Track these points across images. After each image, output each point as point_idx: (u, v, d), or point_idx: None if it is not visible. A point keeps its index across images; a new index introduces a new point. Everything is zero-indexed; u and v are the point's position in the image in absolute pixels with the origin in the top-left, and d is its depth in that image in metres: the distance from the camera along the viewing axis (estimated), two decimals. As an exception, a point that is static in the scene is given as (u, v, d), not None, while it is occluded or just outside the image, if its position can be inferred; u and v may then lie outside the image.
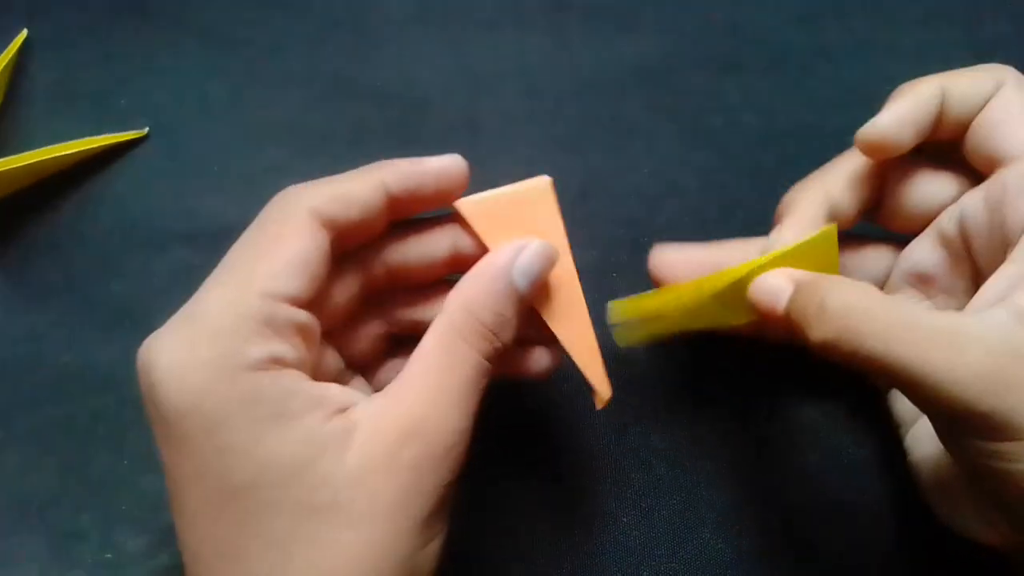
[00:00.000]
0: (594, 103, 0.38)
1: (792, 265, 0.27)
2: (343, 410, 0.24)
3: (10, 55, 0.38)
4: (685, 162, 0.37)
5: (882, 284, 0.32)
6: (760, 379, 0.35)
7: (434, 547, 0.24)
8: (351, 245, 0.27)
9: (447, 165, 0.27)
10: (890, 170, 0.29)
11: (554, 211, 0.28)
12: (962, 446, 0.24)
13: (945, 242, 0.30)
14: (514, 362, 0.29)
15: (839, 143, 0.37)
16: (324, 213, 0.25)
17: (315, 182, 0.27)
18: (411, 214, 0.28)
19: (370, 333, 0.30)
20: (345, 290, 0.28)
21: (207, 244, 0.36)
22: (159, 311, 0.35)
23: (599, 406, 0.28)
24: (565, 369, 0.29)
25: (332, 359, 0.28)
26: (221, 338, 0.23)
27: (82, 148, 0.37)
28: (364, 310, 0.29)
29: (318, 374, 0.26)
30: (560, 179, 0.37)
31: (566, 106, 0.38)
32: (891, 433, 0.32)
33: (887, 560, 0.32)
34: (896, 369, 0.24)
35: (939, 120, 0.29)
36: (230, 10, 0.39)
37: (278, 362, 0.23)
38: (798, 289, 0.26)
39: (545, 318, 0.28)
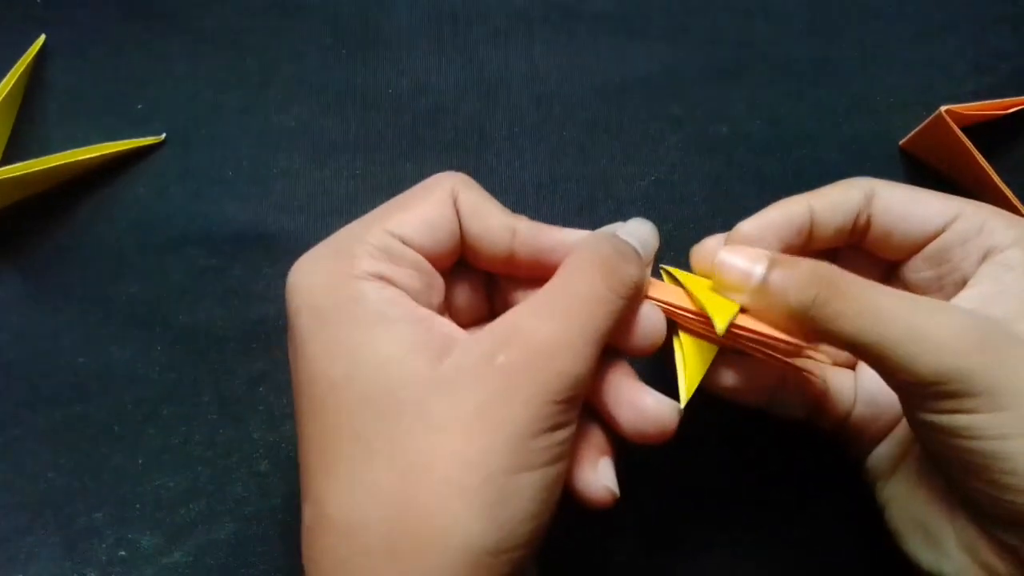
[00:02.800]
0: (602, 111, 0.39)
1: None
2: (447, 336, 0.25)
3: (28, 61, 0.38)
4: (692, 170, 0.38)
5: None
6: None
7: (528, 481, 0.22)
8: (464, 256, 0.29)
9: (574, 242, 0.28)
10: (876, 200, 0.30)
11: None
12: (935, 431, 0.25)
13: None
14: (624, 412, 0.27)
15: (844, 152, 0.38)
16: (461, 210, 0.28)
17: (473, 183, 0.29)
18: (524, 274, 0.29)
19: (469, 292, 0.30)
20: (446, 224, 0.28)
21: (221, 247, 0.37)
22: (174, 312, 0.36)
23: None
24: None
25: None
26: (342, 253, 0.25)
27: (99, 153, 0.37)
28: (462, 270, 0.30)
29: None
30: (568, 186, 0.38)
31: (575, 114, 0.39)
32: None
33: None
34: (872, 337, 0.24)
35: (810, 232, 0.30)
36: (246, 18, 0.39)
37: (386, 279, 0.25)
38: (774, 264, 0.27)
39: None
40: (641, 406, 0.26)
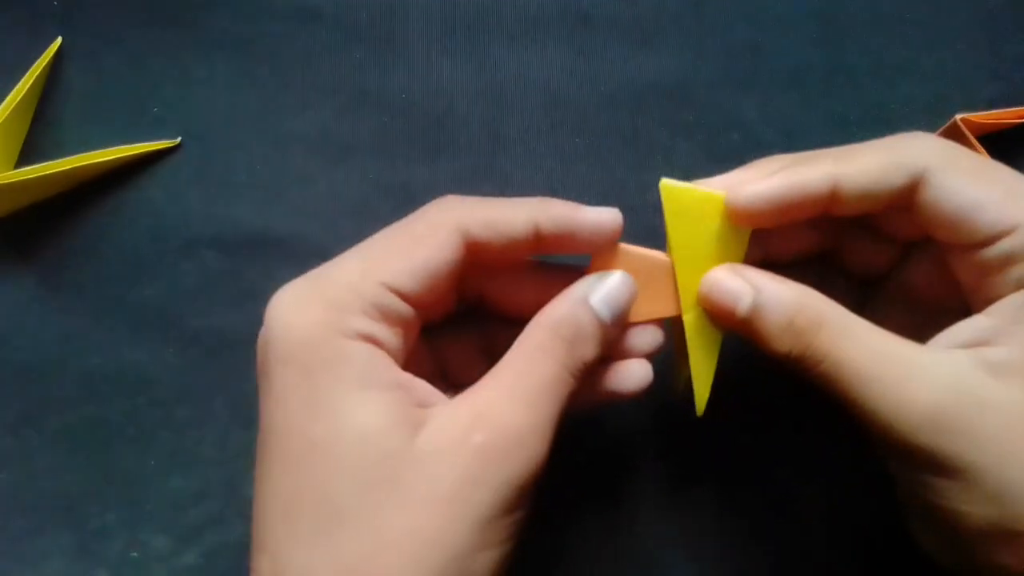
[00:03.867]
0: (615, 117, 0.39)
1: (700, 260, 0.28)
2: (426, 404, 0.25)
3: (44, 63, 0.38)
4: (704, 177, 0.38)
5: None
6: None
7: (488, 558, 0.23)
8: (485, 262, 0.28)
9: (603, 219, 0.28)
10: (924, 189, 0.26)
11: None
12: (904, 477, 0.25)
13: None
14: (605, 383, 0.28)
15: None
16: (471, 234, 0.26)
17: (474, 200, 0.27)
18: (554, 253, 0.28)
19: (467, 344, 0.31)
20: (452, 297, 0.29)
21: (235, 250, 0.37)
22: (188, 315, 0.37)
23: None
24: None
25: (427, 362, 0.29)
26: (333, 306, 0.24)
27: (114, 156, 0.37)
28: (463, 320, 0.31)
29: (411, 369, 0.27)
30: (581, 192, 0.38)
31: (588, 120, 0.39)
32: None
33: None
34: (846, 394, 0.24)
35: (831, 202, 0.27)
36: (261, 22, 0.39)
37: (374, 341, 0.25)
38: (761, 297, 0.26)
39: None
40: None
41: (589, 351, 0.26)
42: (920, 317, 0.29)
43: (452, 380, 0.31)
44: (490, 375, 0.25)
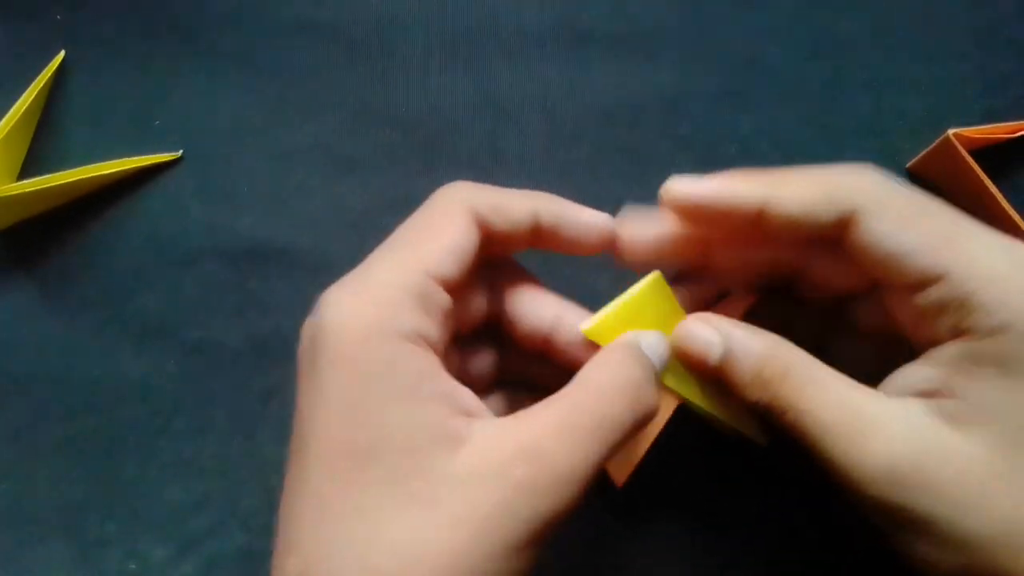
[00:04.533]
0: (613, 131, 0.39)
1: (635, 316, 0.28)
2: (469, 414, 0.25)
3: (47, 76, 0.39)
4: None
5: None
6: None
7: None
8: (491, 252, 0.28)
9: (598, 223, 0.29)
10: (854, 229, 0.26)
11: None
12: (874, 525, 0.25)
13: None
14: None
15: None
16: (480, 215, 0.27)
17: (479, 185, 0.28)
18: (550, 248, 0.29)
19: (485, 357, 0.31)
20: (478, 301, 0.29)
21: (236, 261, 0.37)
22: (189, 325, 0.37)
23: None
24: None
25: (454, 364, 0.29)
26: (384, 304, 0.24)
27: (117, 168, 0.38)
28: (485, 334, 0.31)
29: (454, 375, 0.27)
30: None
31: (586, 134, 0.39)
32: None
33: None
34: (811, 444, 0.25)
35: (758, 223, 0.27)
36: (263, 37, 0.40)
37: (424, 338, 0.25)
38: (731, 346, 0.27)
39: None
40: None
41: (652, 395, 0.26)
42: (884, 346, 0.29)
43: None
44: (544, 404, 0.25)
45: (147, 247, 0.38)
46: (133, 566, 0.35)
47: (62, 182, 0.36)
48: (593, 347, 0.28)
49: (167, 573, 0.34)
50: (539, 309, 0.29)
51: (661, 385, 0.28)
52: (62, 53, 0.40)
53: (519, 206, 0.28)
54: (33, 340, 0.37)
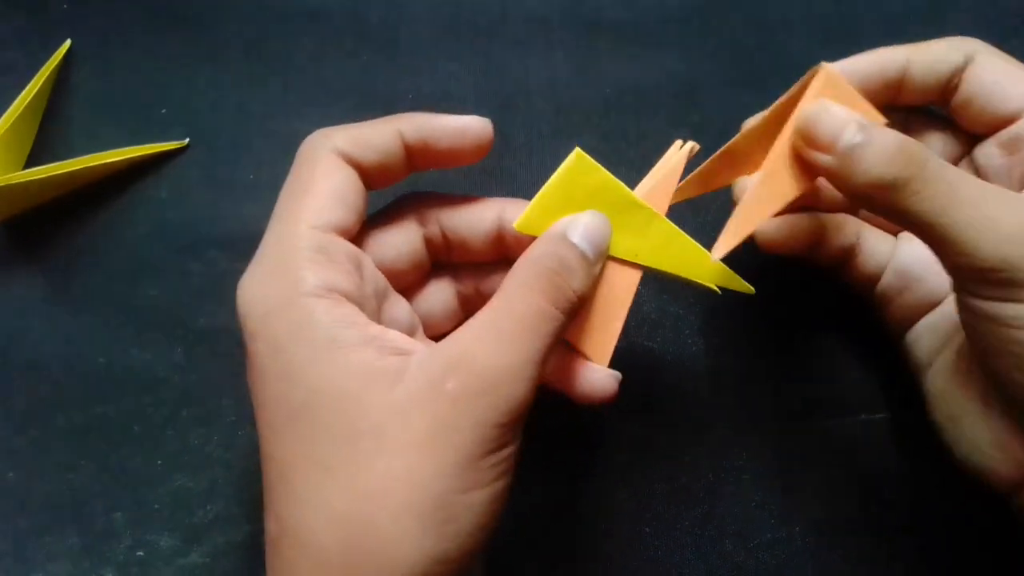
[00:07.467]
0: (621, 119, 0.39)
1: (564, 200, 0.28)
2: (402, 353, 0.25)
3: (53, 65, 0.39)
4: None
5: None
6: (777, 386, 0.35)
7: (477, 498, 0.24)
8: (377, 184, 0.29)
9: (465, 125, 0.29)
10: (971, 65, 0.30)
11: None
12: (983, 318, 0.25)
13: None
14: (575, 379, 0.29)
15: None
16: (346, 153, 0.27)
17: (337, 127, 0.28)
18: (433, 167, 0.29)
19: (443, 295, 0.31)
20: (407, 242, 0.30)
21: (241, 249, 0.36)
22: (195, 314, 0.37)
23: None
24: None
25: (404, 313, 0.30)
26: (279, 269, 0.25)
27: (123, 157, 0.37)
28: (435, 273, 0.31)
29: (386, 323, 0.28)
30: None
31: (593, 121, 0.39)
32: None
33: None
34: (942, 219, 0.24)
35: (901, 84, 0.30)
36: (268, 24, 0.40)
37: (333, 290, 0.25)
38: (867, 129, 0.26)
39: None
40: (591, 378, 0.28)
41: (576, 283, 0.26)
42: None
43: (435, 332, 0.32)
44: (471, 319, 0.25)
45: (153, 236, 0.38)
46: (140, 555, 0.35)
47: (68, 170, 0.36)
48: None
49: (174, 562, 0.34)
50: (479, 213, 0.30)
51: (608, 261, 0.28)
52: (68, 42, 0.40)
53: (380, 132, 0.28)
54: (39, 329, 0.37)
